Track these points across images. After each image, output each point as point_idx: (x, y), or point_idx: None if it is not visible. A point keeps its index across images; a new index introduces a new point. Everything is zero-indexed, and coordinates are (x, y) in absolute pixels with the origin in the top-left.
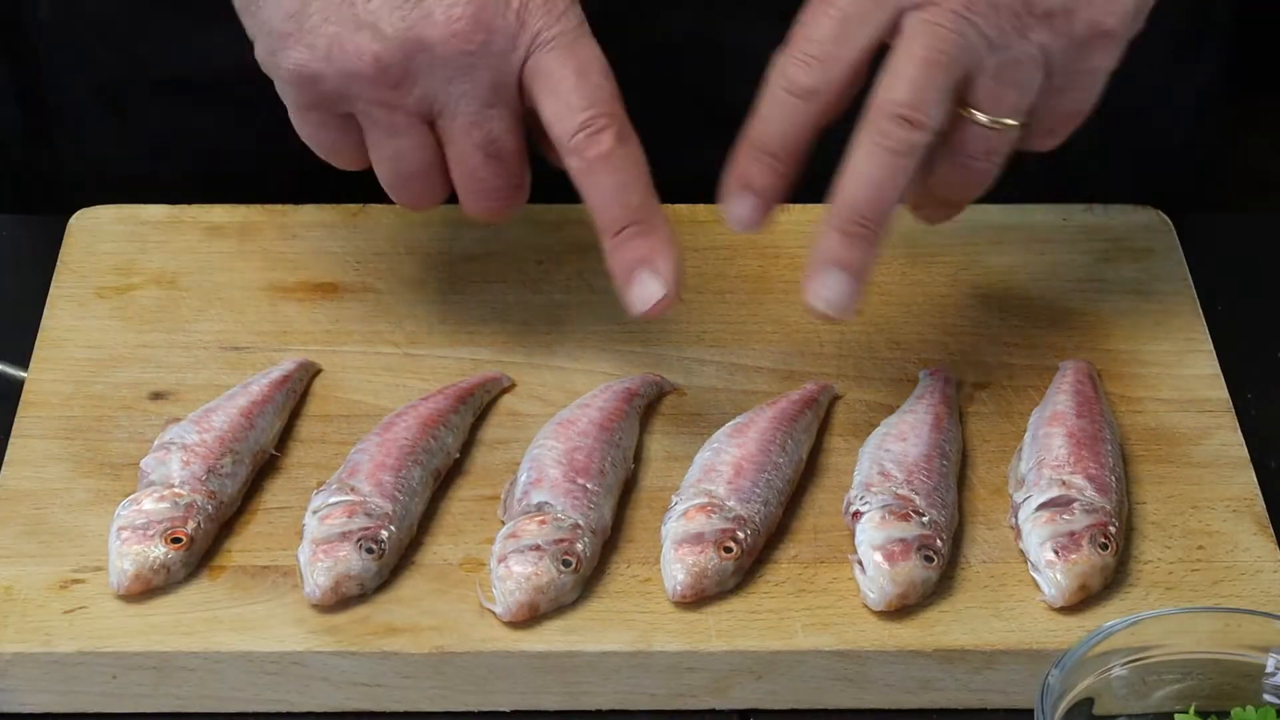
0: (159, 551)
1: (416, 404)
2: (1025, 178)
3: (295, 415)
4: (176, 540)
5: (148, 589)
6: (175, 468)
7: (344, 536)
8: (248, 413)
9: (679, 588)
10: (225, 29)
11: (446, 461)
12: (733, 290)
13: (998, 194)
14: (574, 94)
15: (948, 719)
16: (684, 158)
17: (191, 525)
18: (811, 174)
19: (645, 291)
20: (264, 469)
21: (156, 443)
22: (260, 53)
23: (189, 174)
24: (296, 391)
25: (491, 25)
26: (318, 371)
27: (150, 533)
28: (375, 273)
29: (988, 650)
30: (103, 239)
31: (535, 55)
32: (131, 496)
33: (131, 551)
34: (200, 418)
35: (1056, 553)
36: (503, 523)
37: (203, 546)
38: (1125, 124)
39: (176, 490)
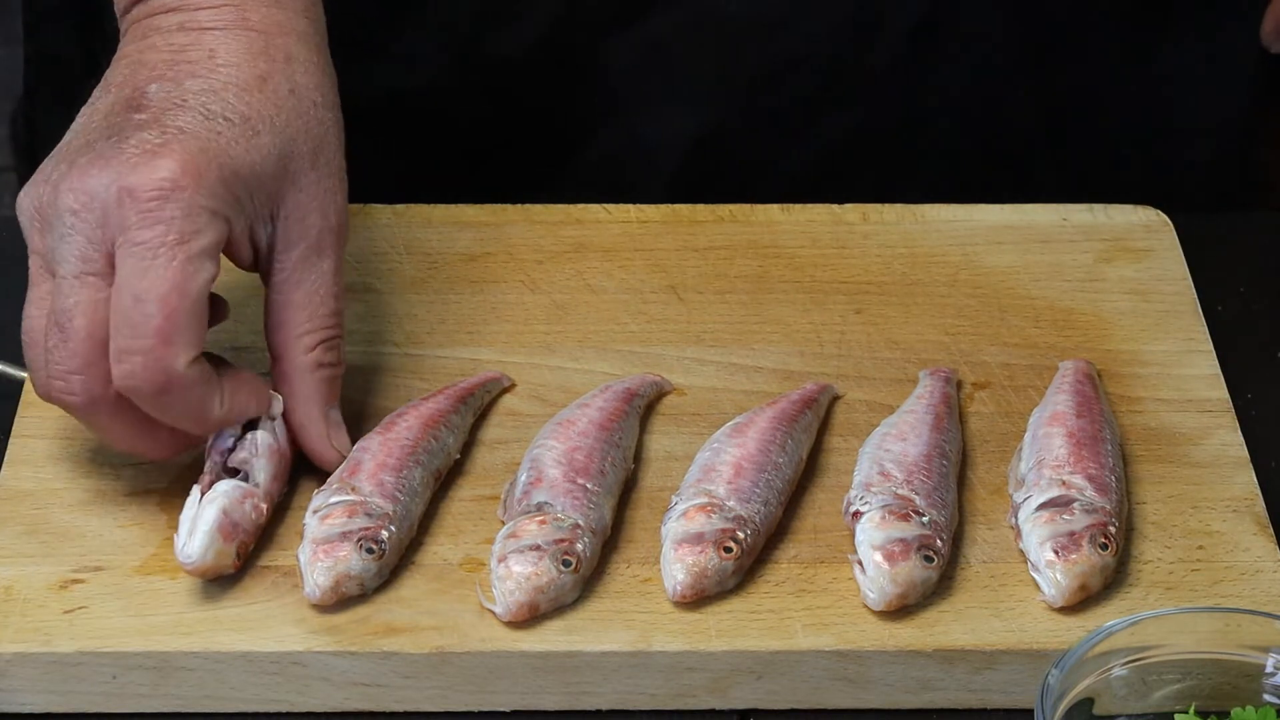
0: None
1: (417, 404)
2: (1025, 178)
3: None
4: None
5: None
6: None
7: (344, 536)
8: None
9: (679, 588)
10: None
11: (447, 462)
12: (733, 290)
13: (998, 194)
14: (120, 316)
15: (948, 719)
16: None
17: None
18: (811, 174)
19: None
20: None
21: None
22: None
23: None
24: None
25: (95, 196)
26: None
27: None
28: (375, 273)
29: (988, 650)
30: None
31: (120, 250)
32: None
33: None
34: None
35: (1056, 553)
36: (503, 523)
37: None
38: (1125, 124)
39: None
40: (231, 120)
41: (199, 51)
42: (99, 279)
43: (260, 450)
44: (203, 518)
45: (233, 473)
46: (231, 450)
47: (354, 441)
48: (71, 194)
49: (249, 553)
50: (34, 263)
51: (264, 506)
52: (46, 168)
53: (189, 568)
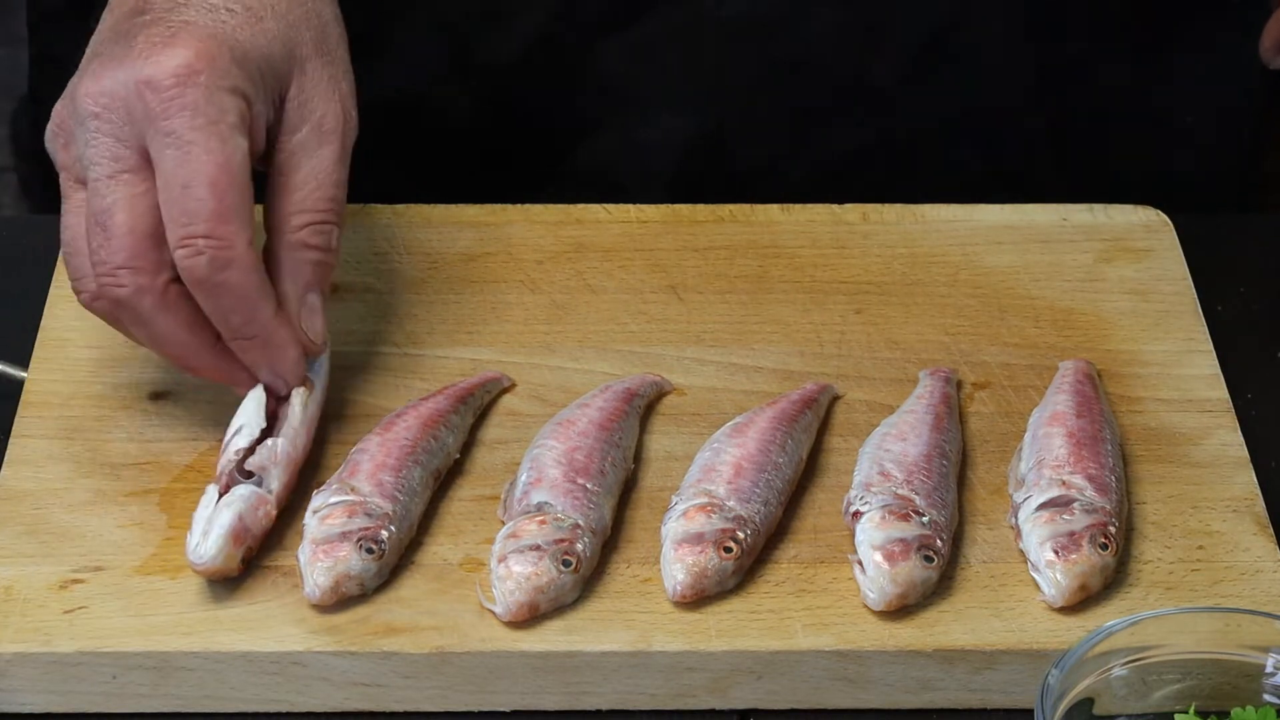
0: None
1: (417, 404)
2: (1026, 178)
3: None
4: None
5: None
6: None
7: (344, 536)
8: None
9: (679, 588)
10: None
11: (447, 461)
12: (733, 290)
13: (998, 194)
14: (173, 205)
15: (948, 719)
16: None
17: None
18: (811, 174)
19: (249, 391)
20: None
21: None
22: None
23: None
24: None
25: (114, 95)
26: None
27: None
28: (375, 273)
29: (988, 650)
30: None
31: (153, 144)
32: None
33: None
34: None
35: (1056, 553)
36: (503, 523)
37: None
38: (1126, 125)
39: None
40: (234, 10)
41: None
42: (133, 174)
43: (280, 458)
44: (218, 520)
45: (247, 475)
46: (249, 451)
47: (354, 441)
48: (89, 99)
49: (253, 557)
50: (64, 179)
51: (274, 513)
52: (67, 87)
53: (198, 567)
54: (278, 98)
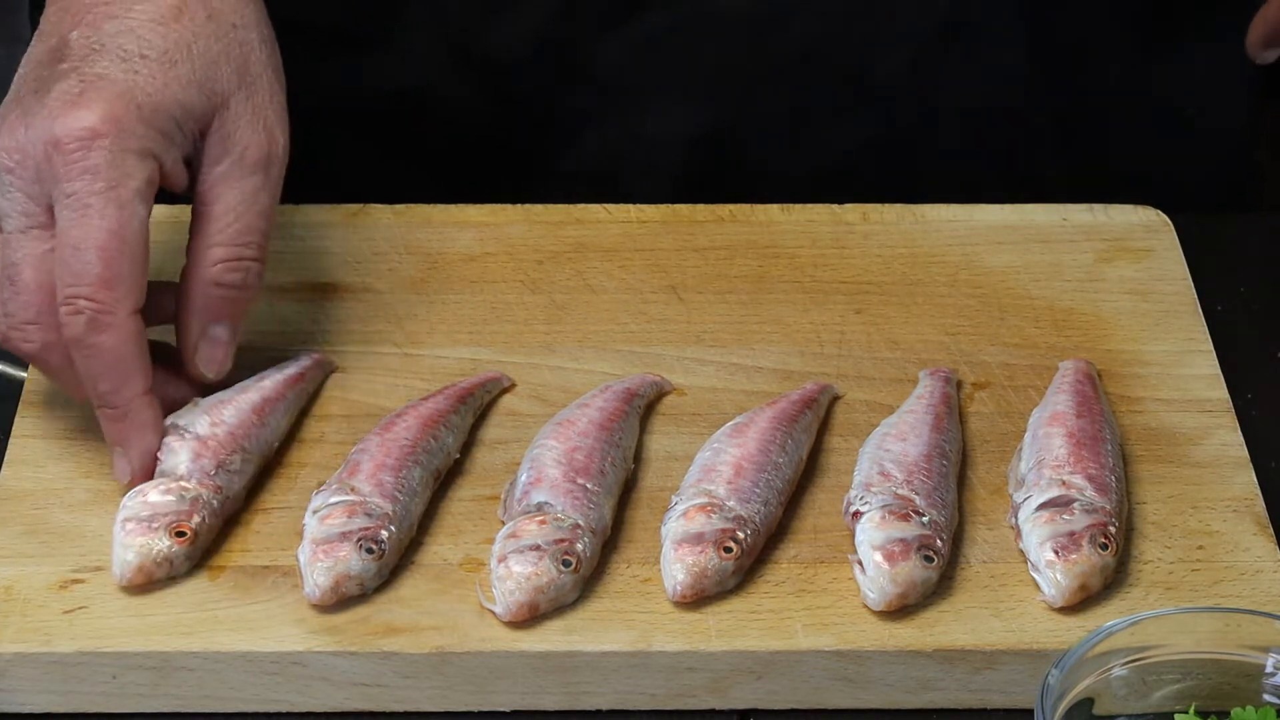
0: (163, 544)
1: (417, 404)
2: (1026, 178)
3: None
4: (181, 534)
5: (150, 581)
6: (184, 459)
7: (344, 536)
8: (259, 410)
9: (679, 588)
10: None
11: (446, 461)
12: (733, 290)
13: (998, 194)
14: (62, 265)
15: (948, 719)
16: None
17: (196, 520)
18: (812, 170)
19: (116, 468)
20: (264, 468)
21: (167, 422)
22: None
23: None
24: (309, 390)
25: (25, 152)
26: (332, 370)
27: (155, 525)
28: (375, 273)
29: (988, 650)
30: None
31: (56, 203)
32: (137, 487)
33: (135, 543)
34: (212, 408)
35: (1056, 553)
36: (503, 523)
37: (206, 542)
38: (1127, 125)
39: (184, 483)
40: (148, 57)
41: None
42: (42, 230)
43: (166, 452)
44: (114, 540)
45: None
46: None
47: (354, 441)
48: (4, 153)
49: (204, 523)
50: None
51: (188, 483)
52: None
53: (125, 583)
54: (198, 135)
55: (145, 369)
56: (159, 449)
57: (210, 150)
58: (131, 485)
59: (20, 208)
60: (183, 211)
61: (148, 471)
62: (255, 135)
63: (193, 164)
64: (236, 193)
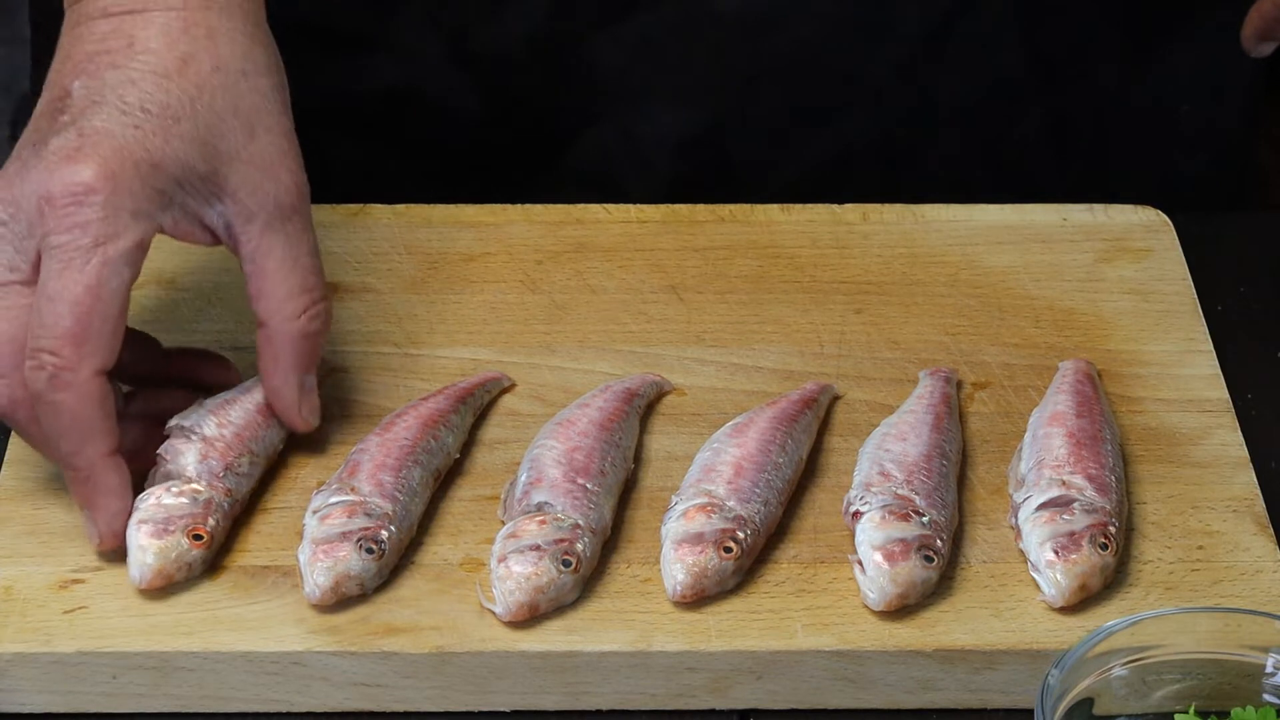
0: (183, 547)
1: (416, 404)
2: (1026, 178)
3: None
4: (198, 537)
5: (168, 584)
6: (192, 460)
7: (344, 536)
8: (265, 411)
9: (679, 588)
10: None
11: (446, 461)
12: (733, 290)
13: (998, 194)
14: (36, 317)
15: (948, 719)
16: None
17: (211, 522)
18: (809, 169)
19: (86, 531)
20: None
21: (172, 423)
22: None
23: None
24: None
25: (19, 205)
26: (331, 371)
27: (172, 528)
28: (375, 273)
29: (988, 650)
30: None
31: (43, 256)
32: (148, 490)
33: (155, 545)
34: (219, 408)
35: (1056, 553)
36: (503, 523)
37: (218, 545)
38: (1126, 125)
39: (195, 486)
40: (150, 111)
41: (119, 40)
42: (23, 286)
43: (171, 454)
44: (130, 544)
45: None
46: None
47: (354, 441)
48: (0, 205)
49: (219, 527)
50: None
51: (199, 485)
52: None
53: (145, 586)
54: (212, 195)
55: (108, 430)
56: (128, 513)
57: (239, 210)
58: (101, 548)
59: (6, 261)
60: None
61: (117, 536)
62: (279, 183)
63: (213, 226)
64: (282, 242)
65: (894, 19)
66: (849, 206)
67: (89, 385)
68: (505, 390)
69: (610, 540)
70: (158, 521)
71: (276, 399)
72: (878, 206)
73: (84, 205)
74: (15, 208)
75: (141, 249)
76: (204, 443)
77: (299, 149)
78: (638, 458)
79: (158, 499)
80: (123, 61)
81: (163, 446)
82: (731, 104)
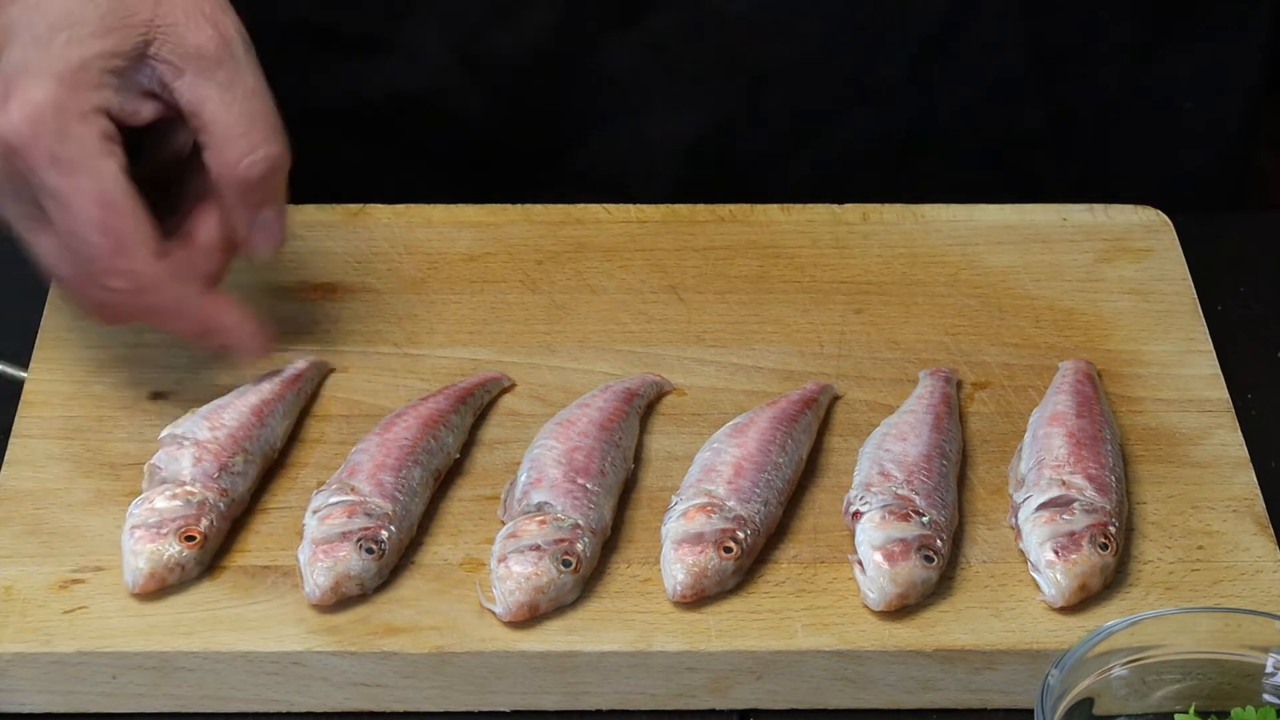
0: (174, 549)
1: (416, 404)
2: (1027, 178)
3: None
4: (190, 538)
5: (162, 587)
6: (187, 464)
7: (344, 536)
8: (259, 411)
9: (679, 588)
10: None
11: (446, 461)
12: (733, 290)
13: (998, 194)
14: (76, 255)
15: (948, 719)
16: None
17: (205, 523)
18: (814, 171)
19: (245, 350)
20: (265, 469)
21: (165, 433)
22: None
23: None
24: (307, 391)
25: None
26: (330, 371)
27: (164, 531)
28: (375, 273)
29: (988, 650)
30: None
31: (40, 197)
32: (143, 494)
33: (146, 550)
34: (211, 414)
35: (1056, 553)
36: (503, 523)
37: (215, 545)
38: (1127, 125)
39: (189, 488)
40: (56, 25)
41: None
42: (49, 226)
43: (165, 461)
44: (123, 548)
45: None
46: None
47: (354, 441)
48: None
49: (213, 526)
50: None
51: (193, 488)
52: None
53: (138, 590)
54: (141, 61)
55: (196, 288)
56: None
57: (167, 69)
58: (263, 354)
59: (18, 213)
60: None
61: (271, 333)
62: (200, 34)
63: (156, 88)
64: (216, 91)
65: (897, 20)
66: (849, 206)
67: (158, 273)
68: (505, 390)
69: (610, 540)
70: (150, 526)
71: (232, 236)
72: (878, 206)
73: (40, 139)
74: None
75: (109, 137)
76: (197, 447)
77: (218, 2)
78: (638, 458)
79: (151, 503)
80: None
81: (156, 456)
82: (738, 107)
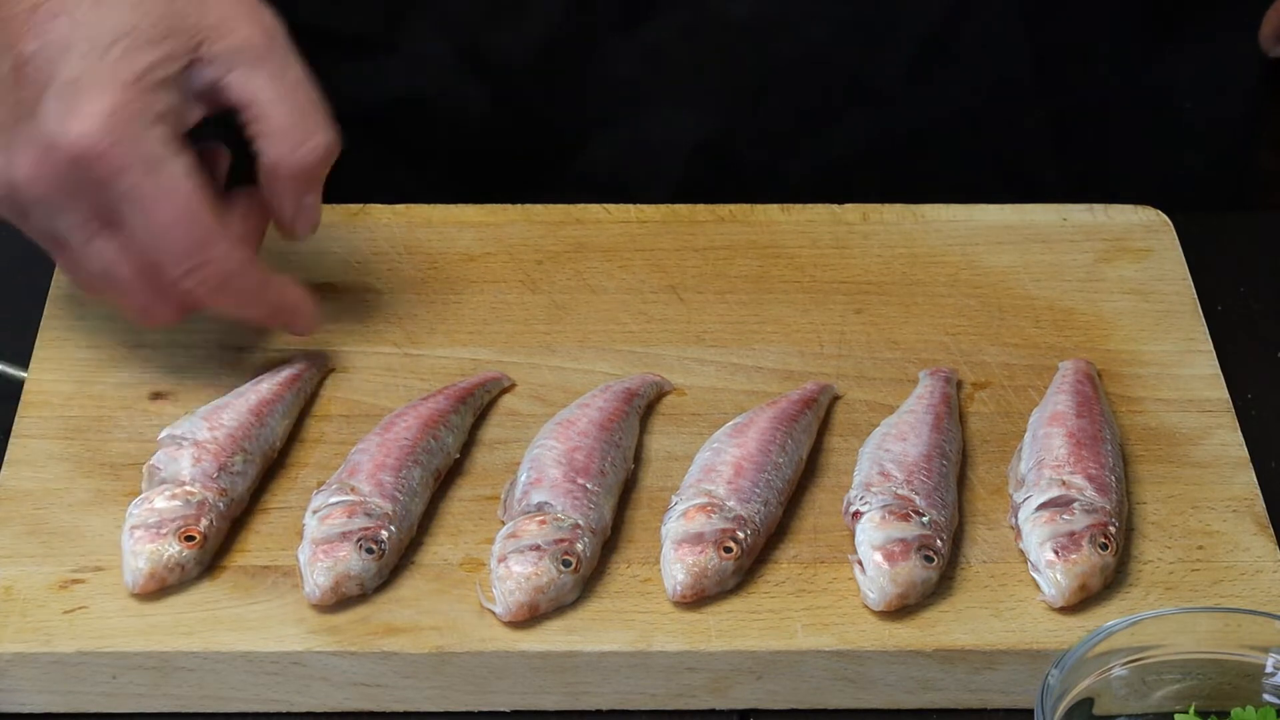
0: (174, 549)
1: (416, 404)
2: (1027, 178)
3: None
4: (190, 538)
5: (162, 587)
6: (186, 465)
7: (344, 536)
8: (258, 411)
9: (679, 588)
10: None
11: (446, 461)
12: (733, 290)
13: (998, 194)
14: (160, 253)
15: (948, 719)
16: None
17: (204, 523)
18: (815, 173)
19: (298, 329)
20: (265, 469)
21: (164, 434)
22: None
23: None
24: (307, 391)
25: (49, 175)
26: (329, 371)
27: (163, 531)
28: (375, 273)
29: (988, 650)
30: None
31: (114, 205)
32: (143, 495)
33: (146, 550)
34: (210, 414)
35: (1056, 553)
36: (503, 523)
37: (215, 545)
38: (1127, 125)
39: (188, 488)
40: (110, 40)
41: None
42: (108, 230)
43: (165, 462)
44: (123, 549)
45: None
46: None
47: (354, 441)
48: (30, 184)
49: (212, 526)
50: (37, 238)
51: (193, 488)
52: None
53: (138, 590)
54: (192, 65)
55: (267, 268)
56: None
57: (217, 67)
58: (313, 331)
59: (74, 223)
60: None
61: (318, 318)
62: (247, 28)
63: (205, 89)
64: (265, 83)
65: (897, 23)
66: (849, 206)
67: (240, 262)
68: (505, 390)
69: (610, 540)
70: (150, 526)
71: (276, 217)
72: (878, 206)
73: (115, 144)
74: (50, 179)
75: (179, 138)
76: (196, 447)
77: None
78: (638, 458)
79: (151, 503)
80: (61, 9)
81: (155, 456)
82: (741, 109)
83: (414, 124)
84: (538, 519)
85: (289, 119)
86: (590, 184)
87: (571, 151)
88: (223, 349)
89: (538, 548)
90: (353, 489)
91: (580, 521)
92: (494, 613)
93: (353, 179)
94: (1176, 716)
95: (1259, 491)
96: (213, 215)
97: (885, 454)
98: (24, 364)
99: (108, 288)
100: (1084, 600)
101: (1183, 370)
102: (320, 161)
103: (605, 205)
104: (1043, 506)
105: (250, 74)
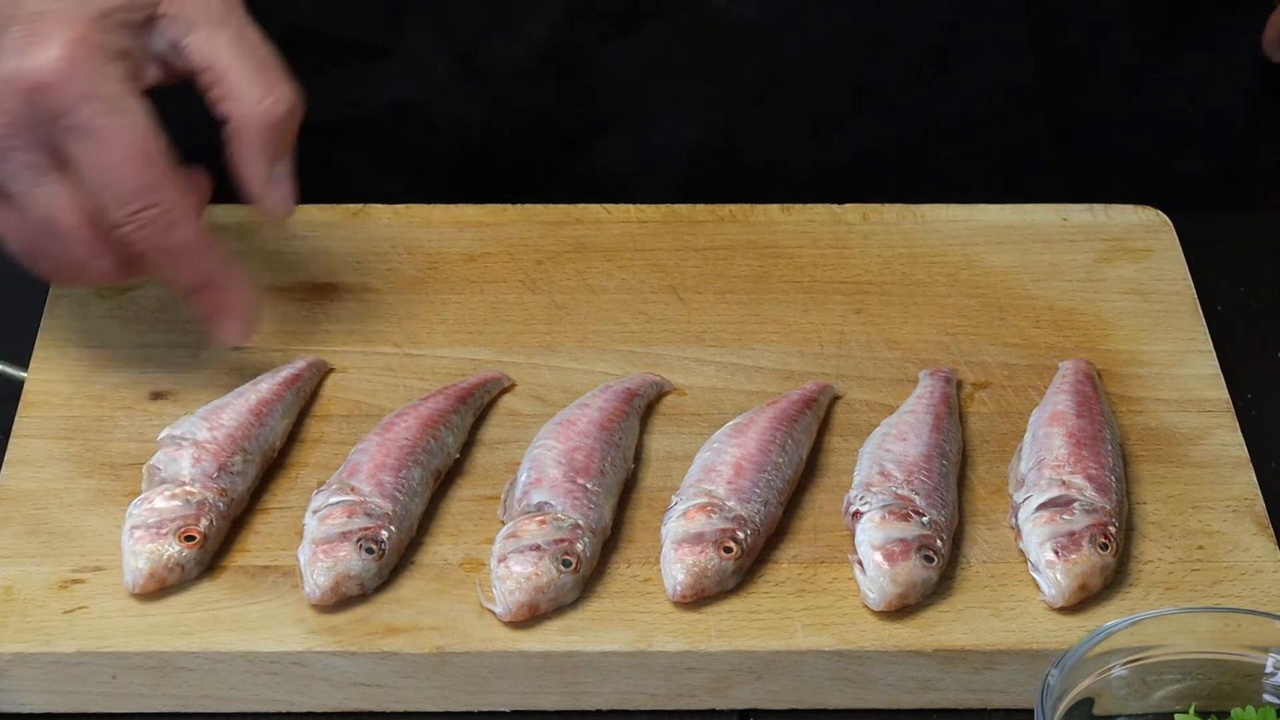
0: (173, 549)
1: (416, 404)
2: (1027, 178)
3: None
4: (190, 538)
5: (162, 587)
6: (186, 465)
7: (344, 536)
8: (257, 411)
9: (679, 588)
10: None
11: (446, 461)
12: (733, 290)
13: (998, 194)
14: (106, 191)
15: (948, 719)
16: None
17: (204, 523)
18: (817, 176)
19: (225, 337)
20: (265, 469)
21: (164, 434)
22: None
23: None
24: (306, 391)
25: (3, 110)
26: (329, 371)
27: (163, 531)
28: (375, 273)
29: (988, 650)
30: None
31: (64, 141)
32: (143, 495)
33: (146, 550)
34: (210, 414)
35: (1056, 553)
36: (503, 523)
37: (215, 545)
38: (1127, 125)
39: (188, 488)
40: None
41: None
42: (56, 173)
43: (165, 462)
44: (123, 549)
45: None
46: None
47: (354, 441)
48: None
49: (212, 526)
50: None
51: (193, 488)
52: None
53: (138, 590)
54: (151, 21)
55: (217, 241)
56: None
57: (177, 29)
58: (247, 340)
59: (24, 162)
60: None
61: (256, 324)
62: None
63: (164, 49)
64: (227, 41)
65: (900, 26)
66: (849, 206)
67: (186, 212)
68: (505, 390)
69: (610, 540)
70: (150, 526)
71: (247, 188)
72: (878, 206)
73: (74, 76)
74: (2, 114)
75: (137, 79)
76: (196, 447)
77: None
78: (638, 458)
79: (151, 503)
80: None
81: (155, 456)
82: (743, 112)
83: (412, 130)
84: (538, 519)
85: (250, 76)
86: (591, 188)
87: (572, 156)
88: (223, 349)
89: (538, 548)
90: (353, 489)
91: (580, 521)
92: (494, 613)
93: (353, 183)
94: (1176, 716)
95: (1259, 491)
96: (167, 156)
97: (885, 454)
98: (24, 364)
99: (47, 240)
100: (1084, 600)
101: (1183, 370)
102: (285, 116)
103: (605, 205)
104: (1043, 506)
105: (210, 35)
